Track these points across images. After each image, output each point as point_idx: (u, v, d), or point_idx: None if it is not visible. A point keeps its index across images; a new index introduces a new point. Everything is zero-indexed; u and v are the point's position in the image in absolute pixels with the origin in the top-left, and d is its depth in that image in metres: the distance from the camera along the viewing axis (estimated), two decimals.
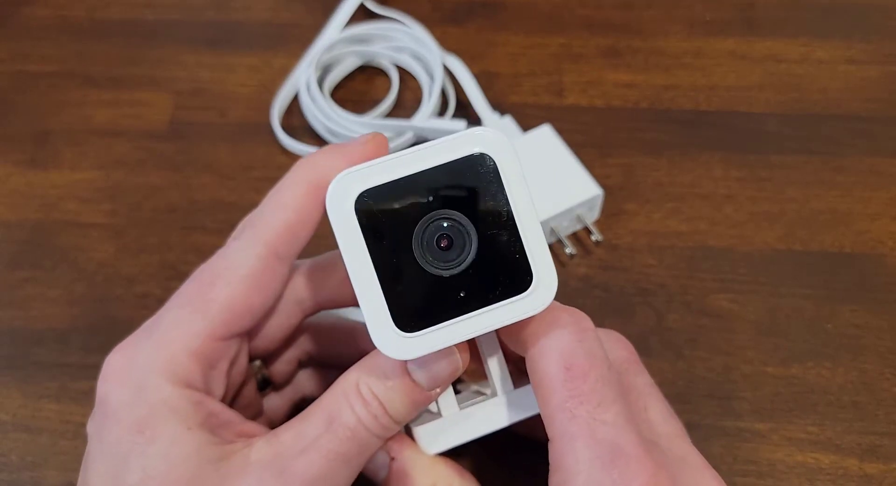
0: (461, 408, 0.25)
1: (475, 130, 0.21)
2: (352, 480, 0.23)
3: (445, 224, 0.21)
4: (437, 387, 0.23)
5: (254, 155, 0.41)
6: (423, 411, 0.25)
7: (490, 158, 0.21)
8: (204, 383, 0.24)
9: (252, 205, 0.41)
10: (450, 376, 0.23)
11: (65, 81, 0.44)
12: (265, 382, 0.29)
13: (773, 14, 0.46)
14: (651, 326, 0.35)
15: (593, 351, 0.22)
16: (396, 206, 0.21)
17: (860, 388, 0.33)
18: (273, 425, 0.25)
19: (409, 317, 0.21)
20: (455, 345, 0.22)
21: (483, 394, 0.27)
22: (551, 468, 0.22)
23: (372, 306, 0.21)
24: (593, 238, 0.37)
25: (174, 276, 0.37)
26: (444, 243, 0.21)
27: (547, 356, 0.22)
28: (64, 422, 0.33)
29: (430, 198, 0.21)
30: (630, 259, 0.37)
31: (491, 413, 0.25)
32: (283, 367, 0.29)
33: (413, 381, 0.23)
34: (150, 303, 0.36)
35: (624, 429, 0.21)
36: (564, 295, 0.36)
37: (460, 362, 0.23)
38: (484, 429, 0.25)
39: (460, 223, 0.21)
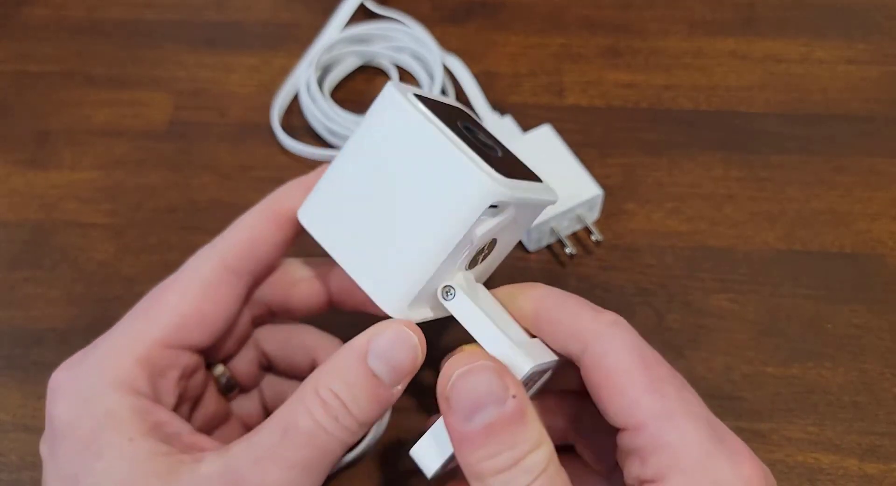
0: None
1: None
2: None
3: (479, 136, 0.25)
4: (399, 382, 0.23)
5: (254, 155, 0.41)
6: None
7: None
8: (152, 391, 0.24)
9: (252, 205, 0.41)
10: (410, 366, 0.23)
11: (65, 81, 0.44)
12: (230, 385, 0.29)
13: (773, 14, 0.46)
14: (651, 326, 0.35)
15: (647, 344, 0.23)
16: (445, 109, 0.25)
17: (860, 388, 0.33)
18: (249, 428, 0.25)
19: (500, 168, 0.23)
20: (409, 325, 0.23)
21: None
22: (646, 452, 0.22)
23: (464, 152, 0.22)
24: (593, 238, 0.37)
25: None
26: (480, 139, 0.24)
27: (617, 350, 0.23)
28: None
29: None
30: (630, 259, 0.37)
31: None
32: (244, 367, 0.29)
33: (374, 375, 0.22)
34: None
35: (702, 405, 0.22)
36: None
37: (419, 349, 0.23)
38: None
39: (486, 140, 0.25)
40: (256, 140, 0.42)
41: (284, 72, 0.44)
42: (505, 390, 0.21)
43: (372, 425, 0.23)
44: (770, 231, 0.38)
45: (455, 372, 0.21)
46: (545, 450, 0.21)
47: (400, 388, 0.23)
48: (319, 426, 0.22)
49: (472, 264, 0.25)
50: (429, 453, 0.23)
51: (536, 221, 0.35)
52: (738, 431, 0.32)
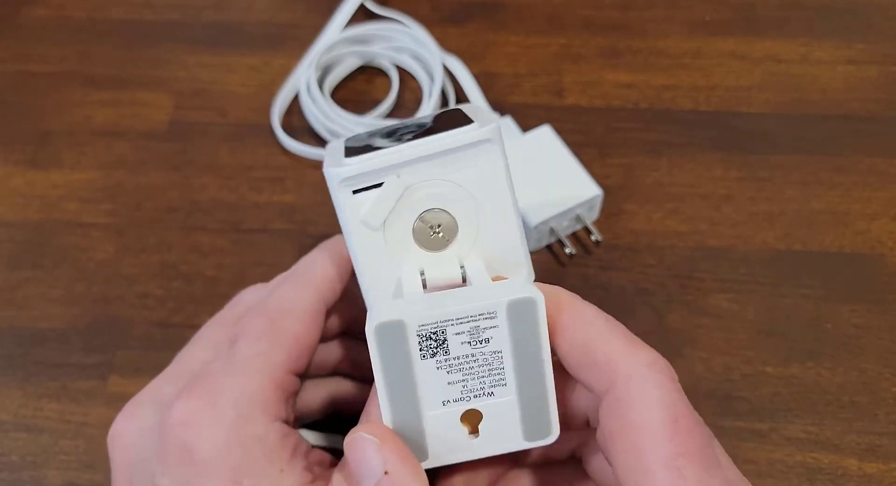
0: (427, 293, 0.23)
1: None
2: None
3: (408, 129, 0.24)
4: None
5: (254, 155, 0.41)
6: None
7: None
8: (285, 414, 0.24)
9: (252, 205, 0.41)
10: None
11: (65, 81, 0.44)
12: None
13: (772, 14, 0.46)
14: (651, 326, 0.35)
15: (687, 403, 0.20)
16: (372, 134, 0.25)
17: (860, 388, 0.33)
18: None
19: (357, 151, 0.23)
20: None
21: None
22: None
23: (332, 154, 0.24)
24: (593, 238, 0.37)
25: (174, 276, 0.37)
26: (402, 135, 0.24)
27: (648, 403, 0.19)
28: (64, 422, 0.33)
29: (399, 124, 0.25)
30: (630, 259, 0.37)
31: (463, 295, 0.22)
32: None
33: None
34: (150, 303, 0.36)
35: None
36: None
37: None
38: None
39: (421, 126, 0.24)
40: (257, 140, 0.42)
41: (285, 72, 0.44)
42: (380, 466, 0.20)
43: None
44: (769, 231, 0.38)
45: (347, 438, 0.21)
46: None
47: None
48: None
49: (436, 244, 0.24)
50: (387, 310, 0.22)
51: (536, 221, 0.35)
52: (738, 431, 0.33)
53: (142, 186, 0.40)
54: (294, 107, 0.43)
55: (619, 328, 0.21)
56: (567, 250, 0.36)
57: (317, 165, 0.41)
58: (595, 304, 0.24)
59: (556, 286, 0.22)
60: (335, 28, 0.45)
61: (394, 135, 0.24)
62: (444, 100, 0.43)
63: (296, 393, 0.25)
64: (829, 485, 0.31)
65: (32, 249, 0.38)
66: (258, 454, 0.22)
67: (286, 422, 0.23)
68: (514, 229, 0.24)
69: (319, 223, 0.38)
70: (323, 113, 0.41)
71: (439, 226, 0.23)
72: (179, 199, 0.40)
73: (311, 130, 0.42)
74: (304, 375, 0.26)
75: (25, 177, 0.41)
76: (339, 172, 0.22)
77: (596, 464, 0.24)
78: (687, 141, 0.41)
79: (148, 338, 0.35)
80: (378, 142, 0.23)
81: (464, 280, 0.23)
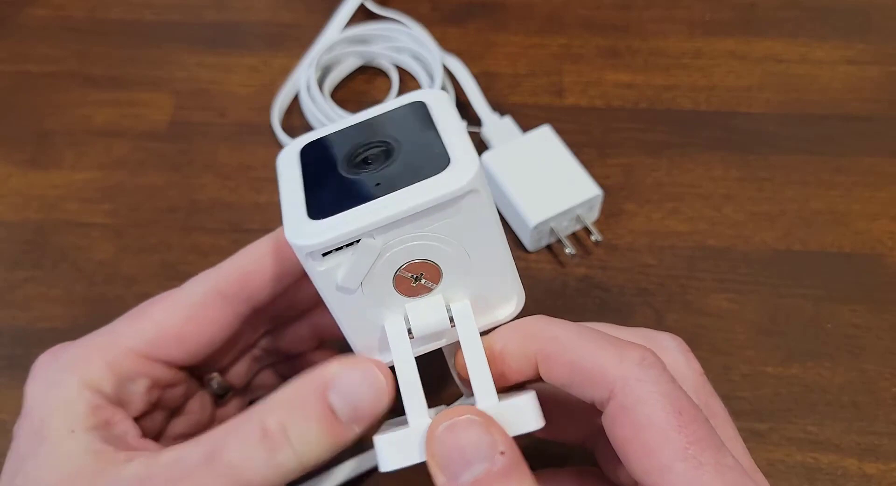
0: (431, 418, 0.21)
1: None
2: None
3: (371, 151, 0.22)
4: (358, 423, 0.21)
5: (254, 155, 0.41)
6: (344, 446, 0.22)
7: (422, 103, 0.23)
8: (115, 394, 0.24)
9: (252, 205, 0.41)
10: (372, 408, 0.21)
11: (65, 81, 0.44)
12: (225, 390, 0.29)
13: (772, 14, 0.46)
14: (651, 326, 0.35)
15: (683, 391, 0.20)
16: (332, 148, 0.23)
17: (860, 388, 0.33)
18: None
19: (324, 207, 0.21)
20: (380, 367, 0.21)
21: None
22: None
23: (291, 207, 0.21)
24: (593, 238, 0.37)
25: (174, 276, 0.37)
26: (368, 161, 0.22)
27: (650, 401, 0.20)
28: None
29: (363, 137, 0.23)
30: (630, 259, 0.37)
31: None
32: (243, 370, 0.29)
33: (332, 411, 0.21)
34: None
35: (744, 474, 0.19)
36: (565, 296, 0.36)
37: (386, 394, 0.21)
38: None
39: (386, 147, 0.22)
40: (256, 140, 0.42)
41: (285, 72, 0.44)
42: (493, 447, 0.20)
43: (317, 463, 0.21)
44: (769, 231, 0.38)
45: (440, 427, 0.20)
46: None
47: (357, 430, 0.21)
48: (248, 461, 0.20)
49: (420, 291, 0.22)
50: (393, 451, 0.21)
51: (536, 221, 0.35)
52: (738, 431, 0.33)
53: (142, 186, 0.40)
54: (294, 107, 0.43)
55: (596, 334, 0.22)
56: (567, 250, 0.36)
57: None
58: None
59: (523, 320, 0.23)
60: (335, 28, 0.45)
61: (359, 164, 0.22)
62: None
63: (162, 380, 0.25)
64: (829, 485, 0.31)
65: (32, 249, 0.38)
66: (57, 413, 0.22)
67: (112, 398, 0.24)
68: (504, 265, 0.22)
69: None
70: (323, 113, 0.41)
71: (421, 275, 0.22)
72: (179, 199, 0.40)
73: (311, 130, 0.42)
74: (194, 366, 0.26)
75: (25, 177, 0.41)
76: (304, 245, 0.20)
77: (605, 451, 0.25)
78: (687, 141, 0.41)
79: None
80: (343, 177, 0.21)
81: (452, 322, 0.22)
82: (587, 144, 0.40)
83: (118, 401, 0.24)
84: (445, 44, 0.44)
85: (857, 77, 0.43)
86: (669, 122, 0.42)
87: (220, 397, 0.29)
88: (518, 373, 0.22)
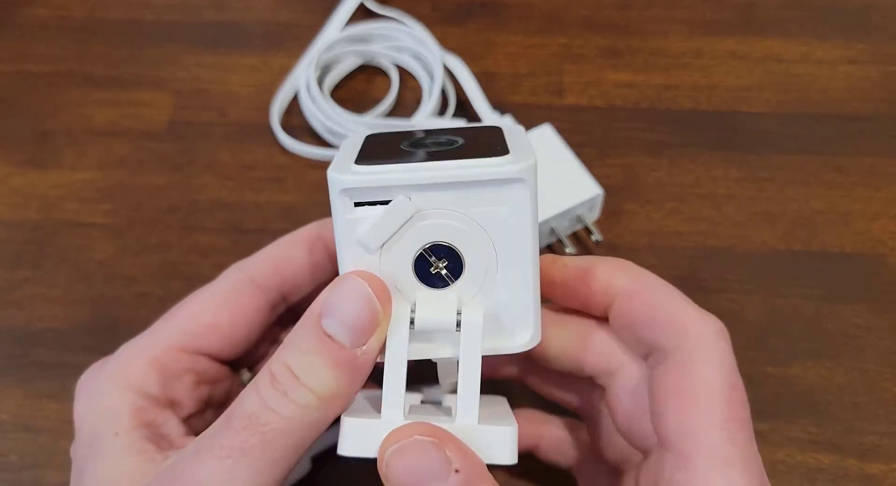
0: (407, 416, 0.21)
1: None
2: (267, 483, 0.20)
3: (436, 138, 0.22)
4: (361, 341, 0.20)
5: (254, 155, 0.41)
6: (356, 399, 0.21)
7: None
8: (163, 393, 0.24)
9: (252, 205, 0.41)
10: (368, 320, 0.20)
11: (65, 81, 0.44)
12: None
13: (773, 14, 0.46)
14: None
15: (738, 372, 0.21)
16: (398, 136, 0.23)
17: (861, 388, 0.33)
18: None
19: (372, 160, 0.20)
20: (364, 276, 0.20)
21: (444, 412, 0.23)
22: (676, 482, 0.20)
23: (341, 155, 0.21)
24: (593, 238, 0.37)
25: (174, 276, 0.37)
26: (429, 143, 0.22)
27: (713, 366, 0.20)
28: (64, 422, 0.33)
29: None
30: (630, 259, 0.37)
31: None
32: None
33: (329, 337, 0.20)
34: (150, 303, 0.36)
35: (762, 470, 0.20)
36: None
37: (377, 304, 0.20)
38: None
39: (451, 139, 0.22)
40: (256, 140, 0.42)
41: (284, 72, 0.44)
42: (446, 466, 0.19)
43: (342, 399, 0.20)
44: (770, 231, 0.38)
45: (388, 451, 0.19)
46: None
47: (366, 350, 0.20)
48: (264, 406, 0.19)
49: (437, 281, 0.21)
50: (356, 437, 0.20)
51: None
52: None
53: (141, 186, 0.40)
54: (294, 106, 0.43)
55: (681, 293, 0.23)
56: (567, 250, 0.36)
57: (316, 165, 0.41)
58: None
59: (624, 261, 0.23)
60: (335, 27, 0.45)
61: (420, 144, 0.22)
62: (445, 99, 0.43)
63: (203, 370, 0.25)
64: (830, 485, 0.31)
65: (32, 249, 0.38)
66: (103, 421, 0.23)
67: (159, 398, 0.24)
68: (528, 285, 0.21)
69: None
70: (323, 112, 0.41)
71: (443, 263, 0.21)
72: (179, 199, 0.40)
73: (311, 130, 0.42)
74: (236, 360, 0.26)
75: (25, 177, 0.41)
76: (341, 179, 0.20)
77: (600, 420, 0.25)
78: (687, 141, 0.41)
79: None
80: (401, 148, 0.21)
81: (458, 327, 0.21)
82: (587, 144, 0.40)
83: (167, 401, 0.24)
84: (446, 43, 0.44)
85: (857, 77, 0.43)
86: (670, 121, 0.42)
87: None
88: (597, 295, 0.23)
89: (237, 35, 0.46)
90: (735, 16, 0.46)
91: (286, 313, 0.28)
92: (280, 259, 0.26)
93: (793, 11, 0.46)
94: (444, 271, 0.21)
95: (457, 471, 0.19)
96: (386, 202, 0.20)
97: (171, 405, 0.24)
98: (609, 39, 0.45)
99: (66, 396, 0.34)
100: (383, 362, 0.21)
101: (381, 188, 0.20)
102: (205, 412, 0.26)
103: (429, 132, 0.23)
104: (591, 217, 0.38)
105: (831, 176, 0.40)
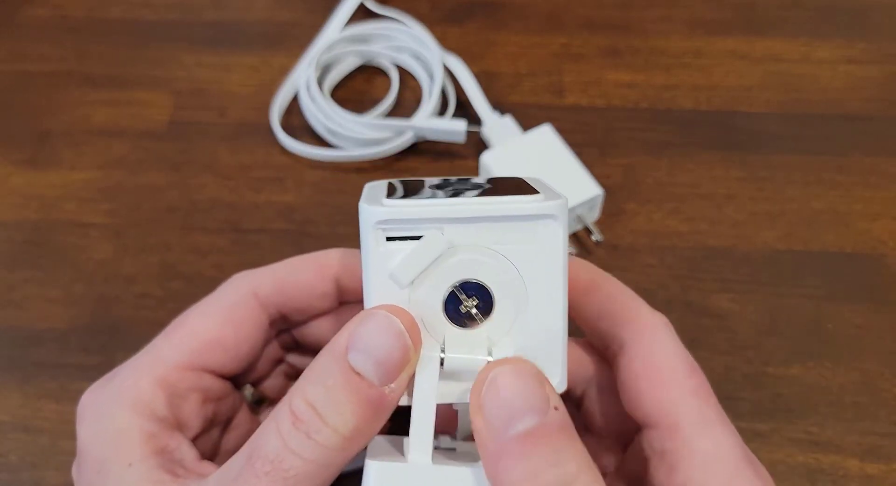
0: (434, 461, 0.20)
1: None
2: None
3: (462, 184, 0.22)
4: (390, 378, 0.19)
5: (253, 155, 0.41)
6: (376, 443, 0.21)
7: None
8: (171, 414, 0.23)
9: (252, 205, 0.41)
10: (399, 356, 0.19)
11: (64, 81, 0.44)
12: (259, 400, 0.28)
13: (773, 14, 0.46)
14: None
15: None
16: (421, 181, 0.23)
17: (861, 388, 0.33)
18: None
19: (403, 195, 0.21)
20: (394, 310, 0.20)
21: (471, 456, 0.22)
22: (676, 457, 0.21)
23: (371, 191, 0.21)
24: (594, 238, 0.37)
25: (174, 276, 0.37)
26: (455, 185, 0.22)
27: (669, 348, 0.23)
28: (64, 422, 0.33)
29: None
30: (630, 259, 0.37)
31: (467, 483, 0.20)
32: (276, 383, 0.29)
33: (357, 374, 0.19)
34: (150, 303, 0.36)
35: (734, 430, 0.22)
36: None
37: (409, 341, 0.19)
38: None
39: (477, 182, 0.22)
40: (256, 140, 0.42)
41: (284, 71, 0.44)
42: (546, 401, 0.19)
43: (365, 438, 0.20)
44: (770, 231, 0.38)
45: (489, 376, 0.19)
46: (594, 482, 0.18)
47: (395, 387, 0.19)
48: (287, 449, 0.19)
49: (466, 319, 0.21)
50: (384, 482, 0.20)
51: None
52: (739, 431, 0.32)
53: (141, 185, 0.40)
54: (293, 106, 0.43)
55: (635, 295, 0.25)
56: (567, 250, 0.36)
57: (316, 165, 0.40)
58: None
59: (591, 265, 0.25)
60: (335, 27, 0.45)
61: (446, 186, 0.22)
62: (444, 99, 0.42)
63: (208, 388, 0.24)
64: (829, 485, 0.31)
65: (31, 249, 0.38)
66: (112, 447, 0.22)
67: (168, 420, 0.23)
68: (557, 326, 0.21)
69: (319, 223, 0.38)
70: (322, 112, 0.41)
71: (474, 302, 0.21)
72: (179, 199, 0.39)
73: (311, 130, 0.42)
74: (238, 376, 0.26)
75: (24, 177, 0.41)
76: (376, 211, 0.20)
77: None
78: (688, 141, 0.41)
79: (147, 338, 0.35)
80: (427, 188, 0.21)
81: None
82: (588, 144, 0.40)
83: (174, 422, 0.23)
84: (445, 43, 0.44)
85: (858, 77, 0.43)
86: (670, 121, 0.42)
87: (257, 406, 0.29)
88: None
89: (237, 35, 0.46)
90: (735, 16, 0.46)
91: (284, 334, 0.27)
92: (287, 278, 0.25)
93: (793, 11, 0.46)
94: (473, 310, 0.21)
95: (556, 408, 0.19)
96: (417, 238, 0.20)
97: (180, 426, 0.23)
98: (609, 39, 0.45)
99: (66, 396, 0.34)
100: (408, 405, 0.20)
101: (416, 221, 0.20)
102: (210, 431, 0.25)
103: (449, 181, 0.23)
104: (592, 217, 0.38)
105: (832, 176, 0.40)
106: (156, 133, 0.42)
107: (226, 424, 0.27)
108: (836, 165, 0.40)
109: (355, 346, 0.19)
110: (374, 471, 0.20)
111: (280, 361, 0.28)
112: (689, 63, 0.44)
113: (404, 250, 0.20)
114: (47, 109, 0.43)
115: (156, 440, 0.22)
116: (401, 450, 0.21)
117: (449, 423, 0.23)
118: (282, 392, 0.28)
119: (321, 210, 0.39)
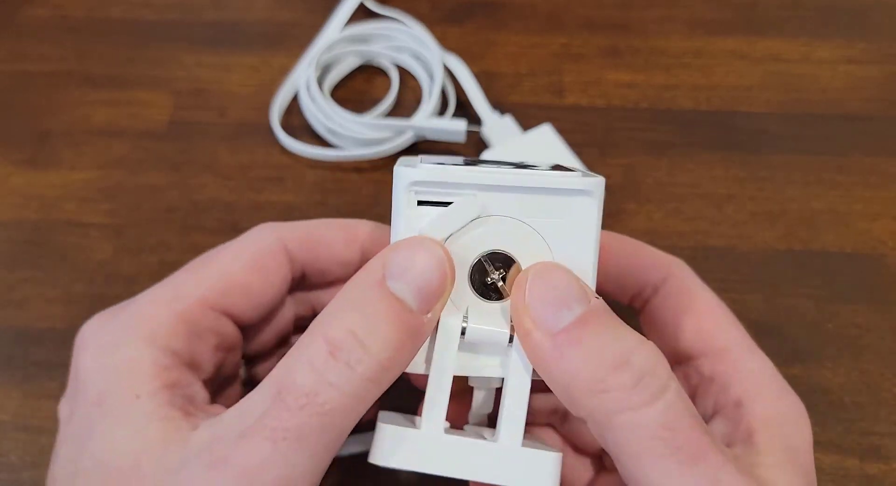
0: (447, 432, 0.20)
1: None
2: (320, 468, 0.18)
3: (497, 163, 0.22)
4: (429, 308, 0.19)
5: (253, 155, 0.41)
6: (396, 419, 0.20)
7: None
8: (188, 351, 0.21)
9: (252, 205, 0.41)
10: (440, 284, 0.19)
11: (64, 81, 0.44)
12: (248, 383, 0.27)
13: (773, 14, 0.46)
14: None
15: None
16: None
17: (861, 388, 0.33)
18: None
19: (438, 161, 0.20)
20: (435, 242, 0.19)
21: (482, 435, 0.21)
22: (727, 376, 0.23)
23: (405, 160, 0.21)
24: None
25: None
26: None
27: (699, 283, 0.25)
28: None
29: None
30: None
31: (480, 458, 0.20)
32: (269, 364, 0.27)
33: (399, 300, 0.18)
34: None
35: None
36: None
37: (448, 269, 0.19)
38: (461, 472, 0.20)
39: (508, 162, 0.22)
40: (256, 140, 0.42)
41: (284, 71, 0.44)
42: (585, 291, 0.19)
43: (398, 371, 0.19)
44: (770, 231, 0.38)
45: (528, 277, 0.19)
46: (654, 350, 0.19)
47: (431, 317, 0.19)
48: (324, 381, 0.17)
49: (492, 291, 0.21)
50: (394, 446, 0.19)
51: None
52: None
53: (141, 185, 0.40)
54: (293, 106, 0.43)
55: (646, 244, 0.26)
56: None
57: (316, 165, 0.40)
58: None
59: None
60: (335, 27, 0.45)
61: (479, 163, 0.21)
62: (444, 99, 0.42)
63: (226, 333, 0.23)
64: (830, 485, 0.31)
65: (31, 249, 0.38)
66: (120, 378, 0.20)
67: (183, 357, 0.21)
68: None
69: None
70: (322, 112, 0.41)
71: (501, 274, 0.20)
72: (178, 199, 0.39)
73: (311, 130, 0.42)
74: (252, 326, 0.24)
75: (24, 177, 0.40)
76: (411, 172, 0.20)
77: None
78: (688, 141, 0.41)
79: None
80: (463, 161, 0.22)
81: (510, 342, 0.20)
82: (588, 144, 0.40)
83: (190, 360, 0.22)
84: (445, 43, 0.44)
85: (858, 77, 0.43)
86: (670, 121, 0.42)
87: (244, 388, 0.27)
88: None
89: (237, 35, 0.46)
90: (736, 15, 0.46)
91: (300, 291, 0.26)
92: (317, 237, 0.24)
93: (794, 11, 0.46)
94: (500, 283, 0.20)
95: (597, 298, 0.20)
96: (449, 204, 0.20)
97: (194, 366, 0.22)
98: (609, 39, 0.45)
99: None
100: (425, 374, 0.20)
101: (451, 184, 0.20)
102: (214, 381, 0.24)
103: (484, 159, 0.23)
104: None
105: (832, 176, 0.40)
106: (156, 133, 0.42)
107: (222, 385, 0.25)
108: (836, 165, 0.40)
109: (396, 273, 0.19)
110: (385, 434, 0.19)
111: (285, 340, 0.27)
112: (690, 63, 0.44)
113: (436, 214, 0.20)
114: (47, 109, 0.43)
115: (169, 374, 0.20)
116: (412, 424, 0.20)
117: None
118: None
119: (321, 210, 0.39)
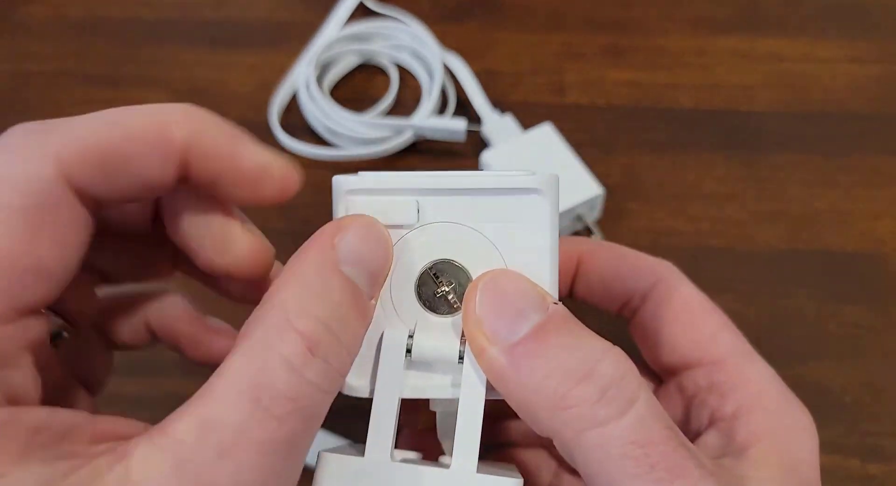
0: (394, 459, 0.18)
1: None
2: (301, 468, 0.16)
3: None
4: (376, 291, 0.18)
5: None
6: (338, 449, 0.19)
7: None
8: (4, 392, 0.16)
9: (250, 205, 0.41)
10: (386, 268, 0.18)
11: (63, 80, 0.44)
12: (57, 334, 0.21)
13: (775, 12, 0.46)
14: None
15: None
16: None
17: (862, 388, 0.33)
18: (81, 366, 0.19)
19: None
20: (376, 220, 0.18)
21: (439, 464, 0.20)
22: (725, 387, 0.22)
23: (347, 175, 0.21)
24: (594, 238, 0.37)
25: (173, 276, 0.37)
26: None
27: (689, 286, 0.24)
28: None
29: None
30: None
31: (430, 484, 0.18)
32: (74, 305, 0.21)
33: (356, 286, 0.17)
34: None
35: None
36: None
37: (387, 235, 0.18)
38: None
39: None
40: (255, 139, 0.41)
41: (283, 70, 0.44)
42: (542, 297, 0.18)
43: (351, 362, 0.17)
44: (772, 231, 0.38)
45: (477, 289, 0.18)
46: (621, 356, 0.18)
47: (374, 303, 0.18)
48: (304, 381, 0.15)
49: (442, 305, 0.19)
50: (339, 476, 0.18)
51: None
52: None
53: None
54: (293, 105, 0.43)
55: (633, 250, 0.25)
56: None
57: (316, 165, 0.40)
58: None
59: (579, 237, 0.26)
60: (334, 26, 0.45)
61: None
62: (444, 98, 0.42)
63: (33, 338, 0.17)
64: (830, 485, 0.31)
65: None
66: None
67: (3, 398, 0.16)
68: None
69: (318, 223, 0.38)
70: (322, 111, 0.41)
71: (450, 285, 0.19)
72: None
73: (310, 129, 0.42)
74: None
75: None
76: (347, 180, 0.19)
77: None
78: (689, 140, 0.41)
79: None
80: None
81: (460, 360, 0.19)
82: (589, 143, 0.40)
83: (12, 397, 0.16)
84: (445, 41, 0.44)
85: (859, 76, 0.43)
86: (671, 120, 0.42)
87: (55, 340, 0.21)
88: (563, 263, 0.24)
89: (236, 34, 0.46)
90: (737, 14, 0.46)
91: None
92: (104, 145, 0.18)
93: (795, 10, 0.46)
94: (450, 296, 0.19)
95: (555, 303, 0.18)
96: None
97: (16, 400, 0.16)
98: (610, 38, 0.45)
99: None
100: (369, 398, 0.19)
101: (389, 190, 0.19)
102: (51, 390, 0.18)
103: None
104: (592, 217, 0.38)
105: (833, 175, 0.39)
106: None
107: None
108: (838, 165, 0.40)
109: (351, 258, 0.17)
110: (327, 463, 0.18)
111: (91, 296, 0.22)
112: (691, 62, 0.44)
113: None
114: (47, 109, 0.43)
115: (14, 428, 0.15)
116: (359, 452, 0.19)
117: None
118: (91, 319, 0.22)
119: (321, 210, 0.38)
